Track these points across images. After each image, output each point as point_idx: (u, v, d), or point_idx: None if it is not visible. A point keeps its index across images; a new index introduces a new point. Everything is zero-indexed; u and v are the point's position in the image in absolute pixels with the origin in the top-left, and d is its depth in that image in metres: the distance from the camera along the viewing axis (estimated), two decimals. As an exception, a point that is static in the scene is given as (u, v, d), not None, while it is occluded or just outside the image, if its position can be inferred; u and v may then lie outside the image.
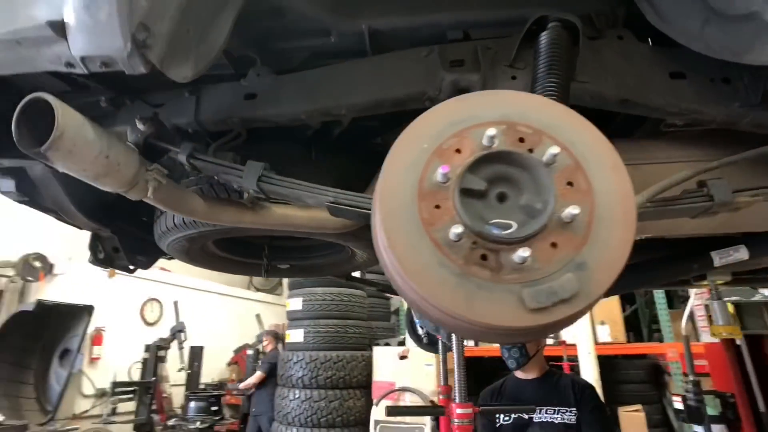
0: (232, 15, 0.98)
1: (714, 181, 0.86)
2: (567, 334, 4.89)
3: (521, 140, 0.58)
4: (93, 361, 6.68)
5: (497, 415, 2.05)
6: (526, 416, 1.97)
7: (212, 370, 8.22)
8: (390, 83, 1.11)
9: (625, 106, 1.02)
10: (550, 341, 5.29)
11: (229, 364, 9.09)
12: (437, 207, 0.56)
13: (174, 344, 7.19)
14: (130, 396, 6.24)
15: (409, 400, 4.24)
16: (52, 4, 0.72)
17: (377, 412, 4.21)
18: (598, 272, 0.52)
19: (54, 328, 5.96)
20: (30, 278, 6.62)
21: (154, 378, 6.29)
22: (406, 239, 0.55)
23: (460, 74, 1.06)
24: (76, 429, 5.32)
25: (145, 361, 6.51)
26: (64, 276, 6.66)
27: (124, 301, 7.29)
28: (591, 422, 1.92)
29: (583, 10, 1.04)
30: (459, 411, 1.38)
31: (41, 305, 5.33)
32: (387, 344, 4.92)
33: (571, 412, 1.94)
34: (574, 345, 4.76)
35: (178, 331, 7.01)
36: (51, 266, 6.80)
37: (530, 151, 0.57)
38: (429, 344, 2.68)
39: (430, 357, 4.31)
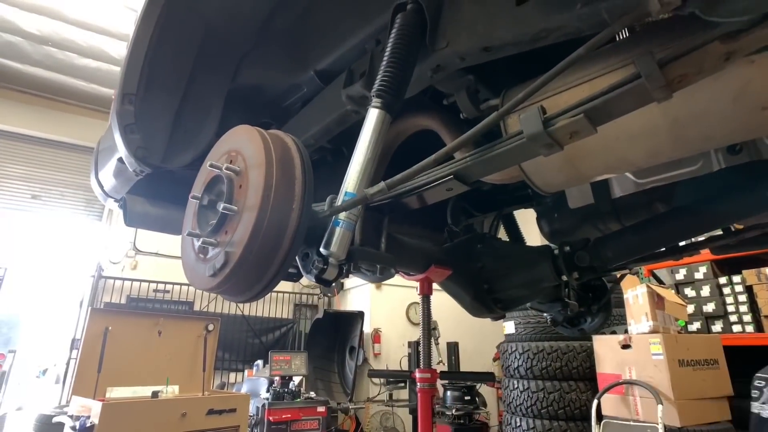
0: (219, 110, 1.48)
1: (526, 113, 0.77)
2: None
3: (231, 161, 0.82)
4: (375, 356, 8.38)
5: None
6: None
7: (473, 364, 8.88)
8: (327, 111, 1.38)
9: (489, 53, 0.98)
10: None
11: (494, 359, 9.58)
12: (194, 217, 0.87)
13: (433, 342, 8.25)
14: (403, 385, 7.50)
15: (639, 394, 3.71)
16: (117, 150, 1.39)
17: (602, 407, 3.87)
18: (237, 246, 0.71)
19: (343, 330, 7.89)
20: (329, 294, 9.01)
21: (403, 372, 7.40)
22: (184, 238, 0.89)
23: (360, 86, 1.24)
24: (363, 407, 6.79)
25: (409, 356, 7.73)
26: (351, 290, 8.71)
27: (392, 307, 8.86)
28: None
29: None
30: (419, 375, 1.39)
31: (327, 314, 7.22)
32: (613, 332, 4.41)
33: None
34: None
35: (432, 329, 8.02)
36: (342, 284, 9.04)
37: (228, 167, 0.81)
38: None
39: (657, 346, 3.67)
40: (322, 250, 0.86)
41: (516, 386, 4.46)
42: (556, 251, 1.30)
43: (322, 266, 0.86)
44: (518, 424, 4.35)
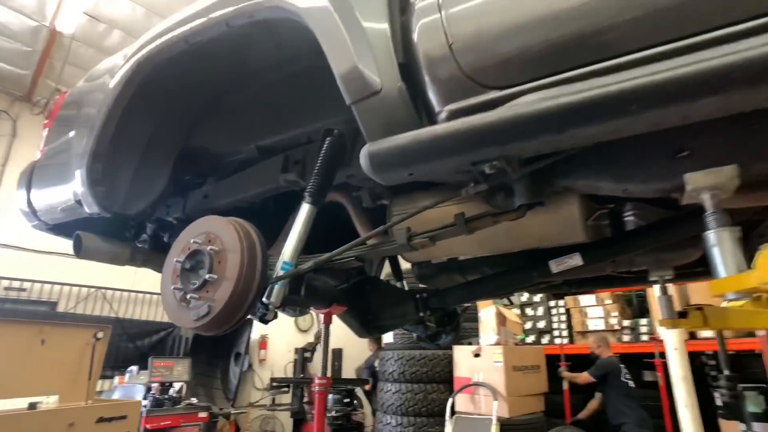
0: (170, 166, 1.82)
1: (398, 229, 1.34)
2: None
3: (210, 242, 1.25)
4: (261, 362, 8.58)
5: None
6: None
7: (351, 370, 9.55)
8: (265, 182, 1.81)
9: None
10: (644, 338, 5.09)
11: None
12: (176, 276, 1.28)
13: (320, 347, 8.72)
14: (286, 390, 7.84)
15: (482, 393, 4.63)
16: (77, 193, 1.66)
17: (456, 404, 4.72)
18: (219, 303, 1.16)
19: (229, 336, 7.95)
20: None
21: (301, 375, 7.80)
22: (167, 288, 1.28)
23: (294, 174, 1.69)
24: (244, 412, 6.98)
25: (295, 362, 8.11)
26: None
27: (280, 314, 9.12)
28: None
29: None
30: (318, 381, 1.96)
31: (215, 319, 7.27)
32: (470, 343, 5.34)
33: None
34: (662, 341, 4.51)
35: (320, 335, 8.49)
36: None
37: (209, 247, 1.24)
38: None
39: (498, 354, 4.63)
40: (264, 300, 1.32)
41: (389, 389, 5.14)
42: (418, 296, 1.91)
43: (264, 312, 1.32)
44: (388, 421, 5.03)
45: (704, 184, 1.00)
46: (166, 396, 5.95)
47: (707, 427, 4.44)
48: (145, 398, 5.84)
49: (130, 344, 7.63)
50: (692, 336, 4.82)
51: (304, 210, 1.43)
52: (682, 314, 2.40)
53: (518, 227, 1.35)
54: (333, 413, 7.00)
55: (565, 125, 0.82)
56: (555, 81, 0.87)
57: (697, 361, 4.73)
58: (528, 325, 5.99)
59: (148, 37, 1.54)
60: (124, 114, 1.63)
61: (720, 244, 0.98)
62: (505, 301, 6.34)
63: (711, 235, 1.00)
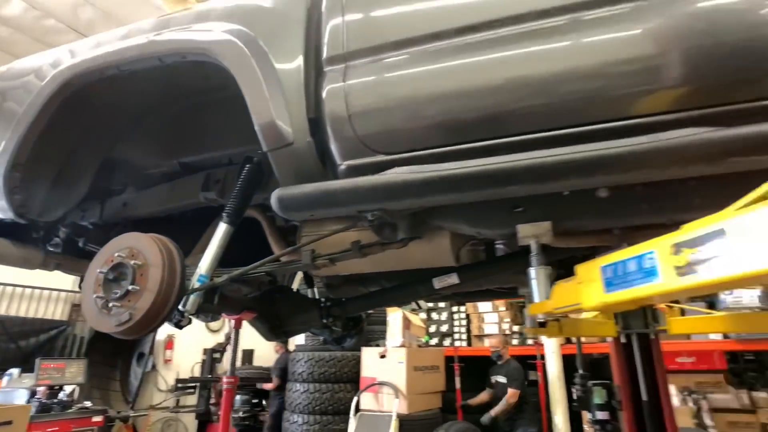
0: (91, 176, 1.90)
1: (304, 251, 1.59)
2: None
3: (133, 256, 1.41)
4: (166, 362, 8.25)
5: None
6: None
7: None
8: (185, 197, 1.95)
9: None
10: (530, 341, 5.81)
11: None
12: (98, 285, 1.41)
13: (229, 347, 8.61)
14: (192, 391, 7.65)
15: (385, 392, 4.99)
16: None
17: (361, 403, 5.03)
18: (140, 311, 1.32)
19: (132, 336, 7.57)
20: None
21: (209, 376, 7.66)
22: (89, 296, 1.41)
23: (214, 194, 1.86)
24: (145, 414, 6.73)
25: (203, 362, 7.94)
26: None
27: (190, 313, 8.83)
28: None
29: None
30: (226, 380, 2.18)
31: (118, 318, 6.91)
32: (378, 345, 5.69)
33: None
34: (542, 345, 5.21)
35: (229, 336, 8.38)
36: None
37: (133, 261, 1.39)
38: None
39: (402, 356, 5.02)
40: (180, 308, 1.49)
41: (298, 388, 5.32)
42: (322, 304, 2.16)
43: (180, 318, 1.49)
44: (295, 420, 5.21)
45: (529, 233, 1.37)
46: (55, 400, 5.58)
47: (573, 418, 5.21)
48: (28, 403, 5.41)
49: (12, 344, 6.96)
50: (568, 341, 5.57)
51: (221, 229, 1.62)
52: (542, 324, 2.91)
53: (404, 252, 1.66)
54: (240, 414, 7.00)
55: (422, 193, 1.14)
56: (423, 156, 1.18)
57: (573, 363, 5.49)
58: (432, 329, 6.50)
59: (79, 59, 1.63)
60: (48, 126, 1.69)
61: (537, 278, 1.36)
62: (414, 305, 6.81)
63: (531, 271, 1.37)
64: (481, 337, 6.30)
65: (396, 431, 4.48)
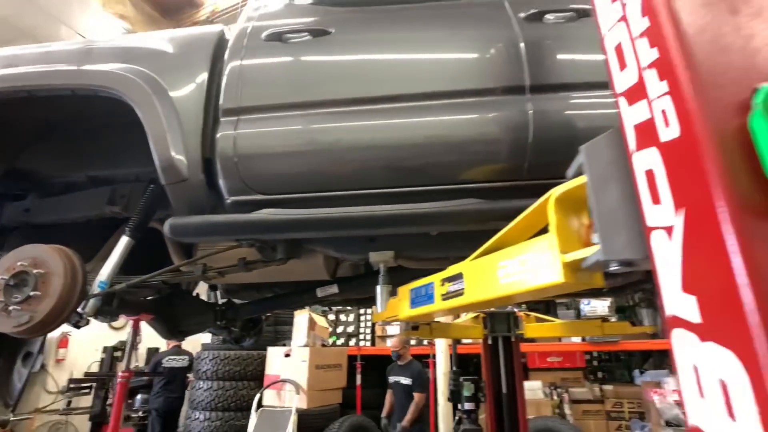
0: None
1: (197, 264, 1.88)
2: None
3: (36, 265, 1.61)
4: (58, 362, 7.79)
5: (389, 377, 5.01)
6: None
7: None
8: (91, 208, 2.12)
9: None
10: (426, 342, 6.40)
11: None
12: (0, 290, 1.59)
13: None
14: (87, 392, 7.32)
15: (287, 389, 5.27)
16: None
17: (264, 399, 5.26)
18: (40, 314, 1.53)
19: (20, 334, 7.08)
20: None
21: (107, 374, 7.37)
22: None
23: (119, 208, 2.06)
24: (29, 418, 6.36)
25: (102, 361, 7.62)
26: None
27: (89, 309, 8.39)
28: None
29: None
30: (120, 373, 2.42)
31: None
32: (284, 344, 5.95)
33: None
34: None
35: (134, 334, 8.11)
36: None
37: (35, 270, 1.59)
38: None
39: (305, 355, 5.34)
40: (80, 310, 1.70)
41: (202, 386, 5.42)
42: (217, 307, 2.44)
43: (78, 319, 1.71)
44: (197, 417, 5.31)
45: (377, 259, 1.78)
46: None
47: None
48: None
49: None
50: (458, 342, 6.23)
51: (123, 242, 1.85)
52: (415, 327, 3.39)
53: (285, 267, 2.01)
54: (140, 413, 6.85)
55: (282, 230, 1.51)
56: (291, 199, 1.54)
57: (465, 361, 6.15)
58: (340, 329, 6.90)
59: None
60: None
61: (381, 294, 1.77)
62: (325, 307, 7.14)
63: (378, 288, 1.78)
64: (384, 337, 6.80)
65: (294, 425, 4.79)
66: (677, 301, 0.65)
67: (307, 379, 5.13)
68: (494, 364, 3.98)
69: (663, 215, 0.68)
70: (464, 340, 6.24)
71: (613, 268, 0.81)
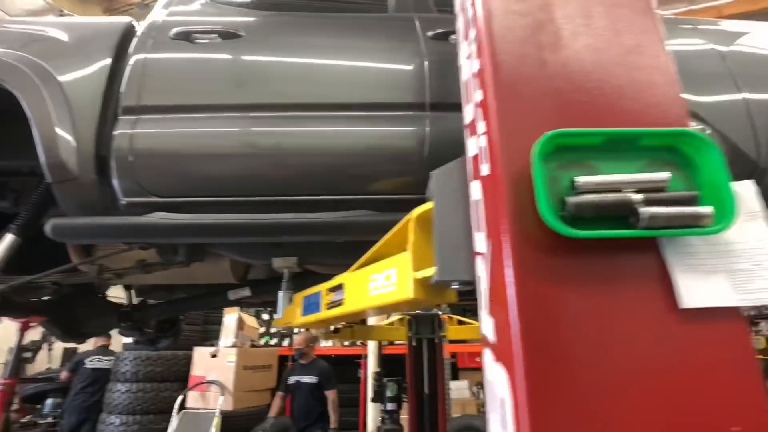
0: None
1: (92, 266, 1.80)
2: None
3: None
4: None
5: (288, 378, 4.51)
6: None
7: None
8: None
9: None
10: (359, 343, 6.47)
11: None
12: None
13: (45, 345, 7.75)
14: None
15: (213, 390, 5.13)
16: None
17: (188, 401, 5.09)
18: None
19: None
20: None
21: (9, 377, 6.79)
22: None
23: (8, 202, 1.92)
24: None
25: (6, 363, 7.01)
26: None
27: None
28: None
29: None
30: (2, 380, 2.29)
31: None
32: (212, 344, 5.77)
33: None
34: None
35: (47, 334, 7.54)
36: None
37: None
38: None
39: (232, 355, 5.22)
40: None
41: (119, 389, 5.15)
42: (122, 309, 2.34)
43: None
44: (112, 421, 5.04)
45: (280, 264, 1.79)
46: None
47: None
48: None
49: None
50: (390, 343, 6.33)
51: (7, 239, 1.73)
52: (336, 330, 3.43)
53: (190, 270, 1.96)
54: (49, 420, 6.39)
55: (170, 235, 1.48)
56: (184, 203, 1.52)
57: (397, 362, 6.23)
58: (274, 329, 6.78)
59: None
60: None
61: (281, 299, 1.78)
62: (260, 307, 7.00)
63: (280, 294, 1.79)
64: (336, 338, 6.77)
65: (217, 428, 4.67)
66: (485, 321, 0.72)
67: (234, 380, 5.02)
68: (418, 366, 4.09)
69: (481, 242, 0.75)
70: (398, 342, 6.36)
71: (455, 286, 0.88)
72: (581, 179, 0.61)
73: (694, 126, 1.60)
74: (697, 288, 0.60)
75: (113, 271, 1.81)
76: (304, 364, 4.67)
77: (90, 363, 5.55)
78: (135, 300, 2.66)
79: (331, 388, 4.62)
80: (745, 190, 0.68)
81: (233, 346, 5.25)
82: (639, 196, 0.59)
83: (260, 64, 1.67)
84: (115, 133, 1.58)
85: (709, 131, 1.59)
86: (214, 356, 5.23)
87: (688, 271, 0.61)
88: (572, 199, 0.60)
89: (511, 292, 0.60)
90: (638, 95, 0.73)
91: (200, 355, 5.31)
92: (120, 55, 1.70)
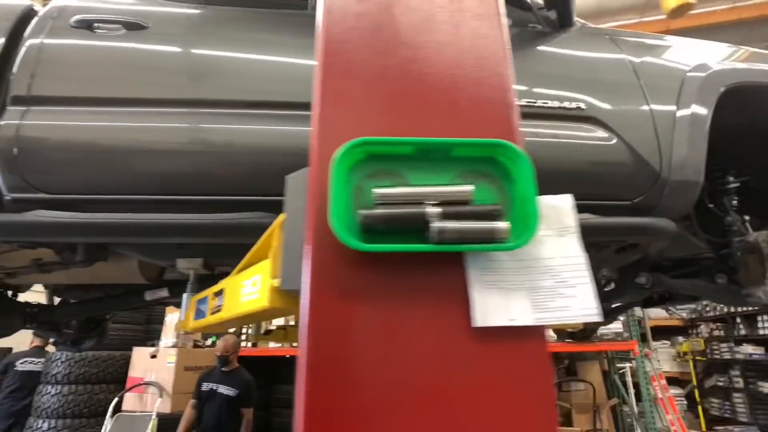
0: None
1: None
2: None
3: None
4: None
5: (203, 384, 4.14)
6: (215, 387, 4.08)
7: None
8: None
9: None
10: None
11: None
12: None
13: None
14: None
15: (151, 392, 4.95)
16: None
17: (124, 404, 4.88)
18: None
19: None
20: None
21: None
22: None
23: None
24: None
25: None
26: None
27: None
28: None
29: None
30: None
31: None
32: (153, 344, 5.57)
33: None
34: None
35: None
36: None
37: None
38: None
39: (172, 355, 5.05)
40: None
41: (49, 391, 4.89)
42: (28, 309, 2.21)
43: None
44: (40, 426, 4.77)
45: (185, 266, 1.73)
46: None
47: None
48: None
49: None
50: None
51: None
52: (268, 332, 3.36)
53: (94, 269, 1.87)
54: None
55: (50, 234, 1.40)
56: (70, 200, 1.44)
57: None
58: (232, 330, 6.62)
59: None
60: None
61: (184, 302, 1.72)
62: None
63: (184, 296, 1.73)
64: (267, 340, 6.65)
65: (153, 431, 4.50)
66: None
67: (174, 381, 4.85)
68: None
69: (306, 251, 0.73)
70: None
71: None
72: (378, 191, 0.60)
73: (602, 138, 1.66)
74: (494, 306, 0.60)
75: (4, 270, 1.70)
76: (226, 372, 4.15)
77: (21, 365, 5.24)
78: (56, 300, 2.53)
79: (251, 406, 4.16)
80: (562, 203, 0.69)
81: (174, 346, 5.08)
82: (436, 210, 0.59)
83: (160, 57, 1.60)
84: (1, 123, 1.48)
85: (615, 140, 1.63)
86: (153, 357, 5.05)
87: (487, 288, 0.60)
88: (363, 212, 0.59)
89: (304, 303, 0.59)
90: (469, 105, 0.73)
91: (139, 355, 5.11)
92: (14, 39, 1.60)
